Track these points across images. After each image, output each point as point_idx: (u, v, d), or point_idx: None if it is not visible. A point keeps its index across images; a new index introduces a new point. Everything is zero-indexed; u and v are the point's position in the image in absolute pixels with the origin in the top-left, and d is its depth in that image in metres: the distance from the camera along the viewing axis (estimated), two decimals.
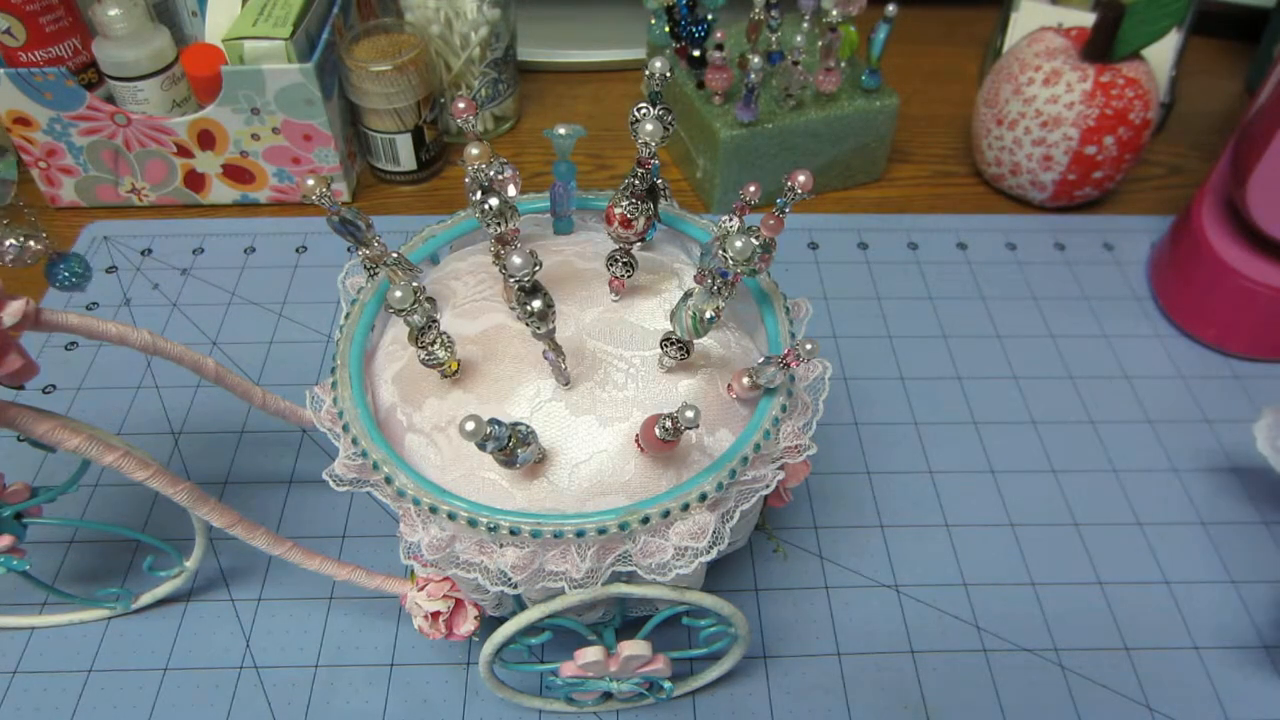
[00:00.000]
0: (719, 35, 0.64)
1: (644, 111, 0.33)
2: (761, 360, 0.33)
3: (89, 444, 0.35)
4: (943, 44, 0.87)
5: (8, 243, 0.33)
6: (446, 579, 0.40)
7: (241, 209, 0.69)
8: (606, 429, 0.33)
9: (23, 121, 0.63)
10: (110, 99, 0.64)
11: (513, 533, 0.32)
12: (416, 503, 0.32)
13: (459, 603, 0.40)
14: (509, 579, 0.33)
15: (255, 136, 0.65)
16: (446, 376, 0.35)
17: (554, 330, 0.31)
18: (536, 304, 0.30)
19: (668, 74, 0.35)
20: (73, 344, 0.59)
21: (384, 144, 0.68)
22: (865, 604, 0.47)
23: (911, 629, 0.47)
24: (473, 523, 0.32)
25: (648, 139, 0.33)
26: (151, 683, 0.44)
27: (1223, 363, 0.60)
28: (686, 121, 0.69)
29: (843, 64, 0.65)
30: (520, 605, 0.39)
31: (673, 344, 0.34)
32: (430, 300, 0.36)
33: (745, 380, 0.34)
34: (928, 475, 0.53)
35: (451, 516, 0.32)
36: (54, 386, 0.57)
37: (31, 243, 0.34)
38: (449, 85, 0.71)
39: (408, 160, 0.69)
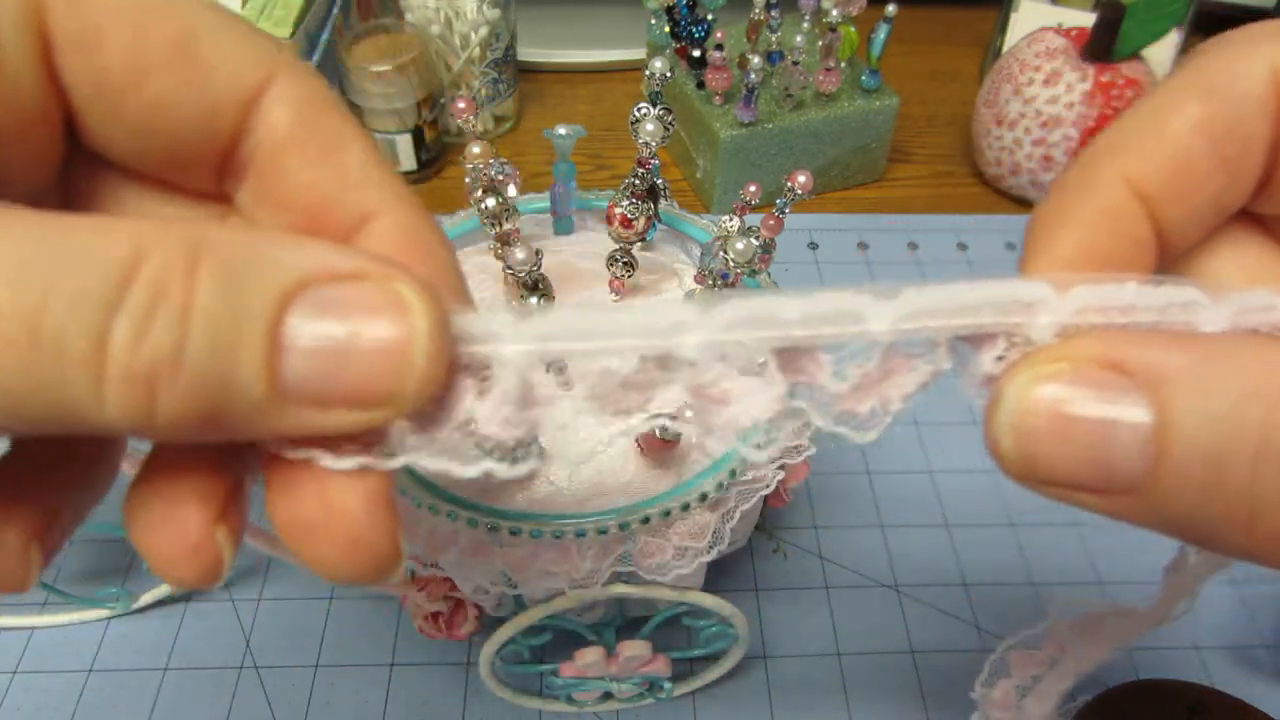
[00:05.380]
0: (719, 35, 0.64)
1: (644, 111, 0.33)
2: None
3: None
4: (943, 44, 0.87)
5: None
6: (446, 579, 0.40)
7: None
8: (607, 430, 0.33)
9: None
10: None
11: (513, 533, 0.32)
12: (417, 503, 0.32)
13: (459, 603, 0.40)
14: (509, 579, 0.33)
15: None
16: None
17: None
18: (536, 300, 0.30)
19: (668, 74, 0.35)
20: None
21: (384, 144, 0.68)
22: (865, 604, 0.47)
23: (911, 629, 0.46)
24: (472, 523, 0.32)
25: (648, 139, 0.33)
26: (151, 683, 0.44)
27: None
28: (686, 121, 0.69)
29: (843, 64, 0.65)
30: (520, 605, 0.39)
31: None
32: None
33: None
34: (928, 475, 0.53)
35: (451, 517, 0.32)
36: None
37: None
38: (449, 85, 0.71)
39: (408, 160, 0.69)
